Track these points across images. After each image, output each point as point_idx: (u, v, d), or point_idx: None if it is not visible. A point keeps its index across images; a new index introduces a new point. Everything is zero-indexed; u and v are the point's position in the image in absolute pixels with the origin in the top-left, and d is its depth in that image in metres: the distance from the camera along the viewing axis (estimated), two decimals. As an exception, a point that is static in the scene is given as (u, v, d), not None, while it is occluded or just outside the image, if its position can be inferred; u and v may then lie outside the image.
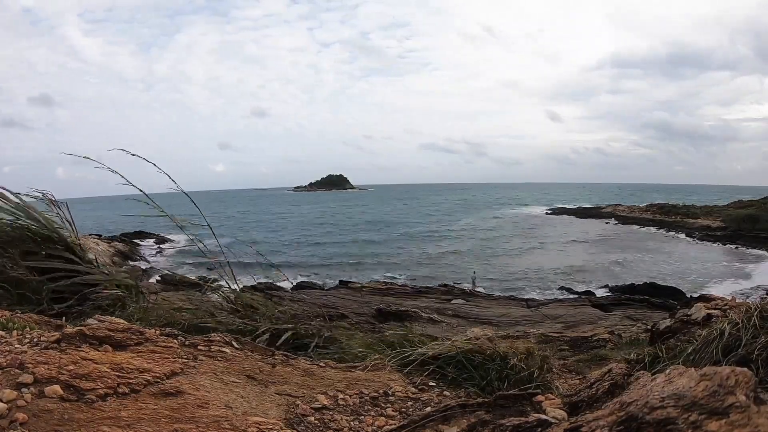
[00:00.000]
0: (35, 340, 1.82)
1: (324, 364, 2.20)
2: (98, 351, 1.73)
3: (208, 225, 3.32)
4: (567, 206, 69.44)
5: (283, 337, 2.61)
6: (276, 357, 2.16)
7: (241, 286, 3.18)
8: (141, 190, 3.26)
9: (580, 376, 2.86)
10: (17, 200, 3.28)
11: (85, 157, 3.22)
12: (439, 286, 20.49)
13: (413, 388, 2.07)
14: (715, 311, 3.95)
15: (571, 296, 19.50)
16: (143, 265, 24.66)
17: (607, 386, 1.69)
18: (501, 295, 19.58)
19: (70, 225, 3.46)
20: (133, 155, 3.23)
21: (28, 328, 2.05)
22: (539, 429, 1.40)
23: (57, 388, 1.44)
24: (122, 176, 3.23)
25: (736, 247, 31.16)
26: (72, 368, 1.54)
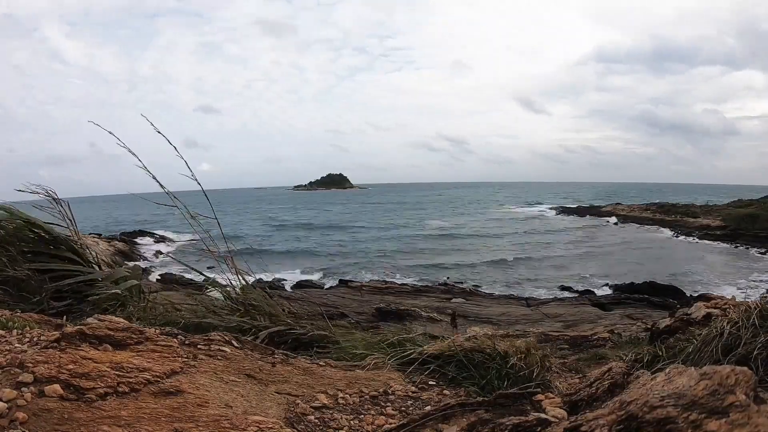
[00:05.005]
0: (35, 339, 1.83)
1: (324, 363, 2.20)
2: (98, 350, 1.73)
3: (216, 219, 3.31)
4: (566, 205, 69.40)
5: (278, 329, 2.61)
6: (276, 356, 2.16)
7: (240, 284, 3.18)
8: (162, 186, 3.22)
9: (580, 375, 2.85)
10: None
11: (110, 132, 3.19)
12: (439, 284, 20.49)
13: (413, 387, 2.07)
14: (715, 310, 3.95)
15: (571, 295, 19.47)
16: (143, 264, 24.68)
17: (606, 385, 1.69)
18: (501, 293, 19.59)
19: (72, 224, 3.46)
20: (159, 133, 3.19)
21: (28, 328, 2.05)
22: (539, 428, 1.40)
23: (57, 387, 1.44)
24: (148, 171, 3.18)
25: (736, 246, 31.11)
26: (72, 367, 1.54)
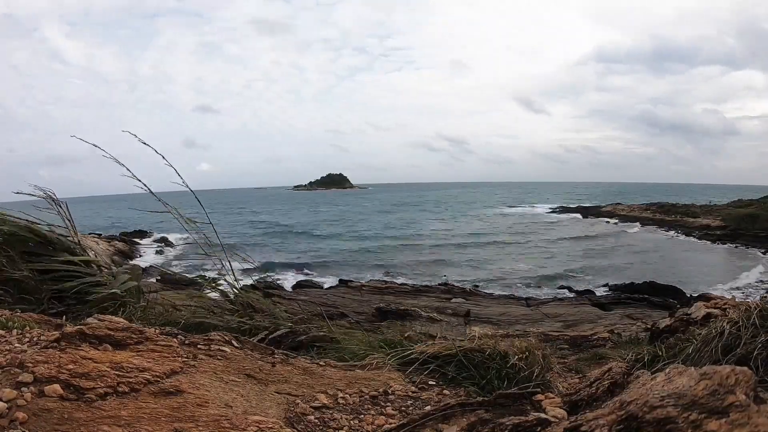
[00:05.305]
0: (35, 339, 1.82)
1: (324, 363, 2.20)
2: (98, 350, 1.73)
3: (211, 223, 3.32)
4: (567, 205, 69.36)
5: (280, 333, 2.61)
6: (276, 356, 2.16)
7: (240, 284, 3.18)
8: (148, 188, 3.25)
9: (580, 375, 2.86)
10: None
11: (94, 145, 3.23)
12: (439, 284, 20.49)
13: (413, 387, 2.07)
14: (715, 310, 3.96)
15: (571, 295, 19.48)
16: (143, 264, 24.67)
17: (606, 385, 1.69)
18: (501, 293, 19.59)
19: (70, 224, 3.46)
20: (144, 143, 3.21)
21: (27, 327, 2.05)
22: (539, 428, 1.40)
23: (57, 387, 1.44)
24: (129, 170, 3.21)
25: (736, 246, 31.09)
26: (72, 367, 1.54)
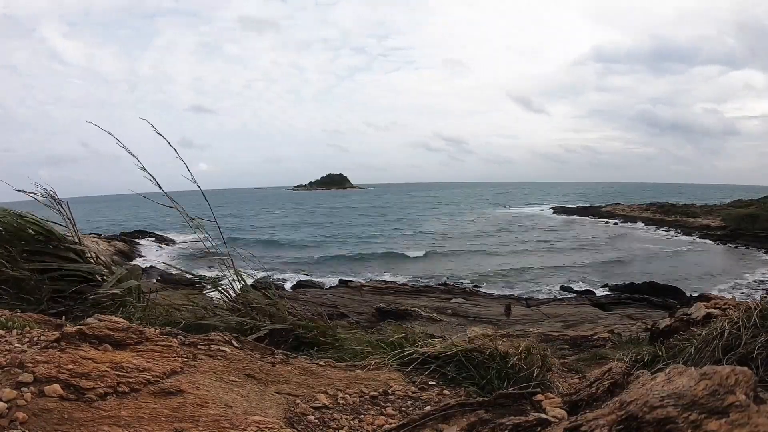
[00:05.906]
0: (35, 339, 1.82)
1: (324, 363, 2.21)
2: (98, 350, 1.73)
3: (216, 222, 3.31)
4: (566, 205, 69.34)
5: (279, 327, 2.61)
6: (276, 356, 2.16)
7: (240, 284, 3.18)
8: (160, 187, 3.23)
9: (580, 375, 2.86)
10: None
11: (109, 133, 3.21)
12: (439, 285, 20.50)
13: (413, 387, 2.07)
14: (715, 310, 3.96)
15: (571, 295, 19.49)
16: (143, 264, 24.66)
17: (606, 385, 1.69)
18: (501, 294, 19.59)
19: (71, 224, 3.46)
20: (158, 132, 3.15)
21: (27, 327, 2.05)
22: (539, 428, 1.40)
23: (57, 387, 1.44)
24: (145, 169, 3.19)
25: (736, 247, 31.11)
26: (72, 367, 1.54)
